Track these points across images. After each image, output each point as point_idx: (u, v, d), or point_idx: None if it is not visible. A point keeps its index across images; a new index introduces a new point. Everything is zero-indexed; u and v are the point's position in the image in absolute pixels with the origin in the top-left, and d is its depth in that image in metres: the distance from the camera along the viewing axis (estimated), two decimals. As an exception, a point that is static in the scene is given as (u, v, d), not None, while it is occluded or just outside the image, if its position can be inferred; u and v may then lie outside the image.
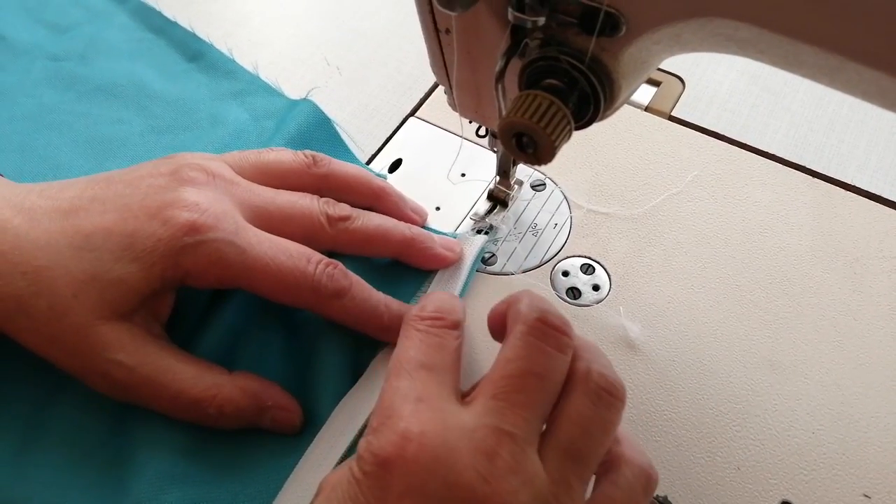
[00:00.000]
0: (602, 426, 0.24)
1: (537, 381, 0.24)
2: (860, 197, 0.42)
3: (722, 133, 0.46)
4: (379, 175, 0.43)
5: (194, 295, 0.34)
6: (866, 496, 0.32)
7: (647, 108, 0.47)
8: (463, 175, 0.44)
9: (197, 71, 0.49)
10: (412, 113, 0.48)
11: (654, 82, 0.49)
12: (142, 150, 0.45)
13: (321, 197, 0.35)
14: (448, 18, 0.28)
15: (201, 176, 0.31)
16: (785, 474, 0.33)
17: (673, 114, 0.47)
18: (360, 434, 0.31)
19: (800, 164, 0.44)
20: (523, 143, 0.25)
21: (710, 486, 0.32)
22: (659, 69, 0.49)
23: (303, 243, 0.32)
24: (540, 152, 0.25)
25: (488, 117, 0.34)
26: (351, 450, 0.31)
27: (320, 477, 0.29)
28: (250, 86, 0.48)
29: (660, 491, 0.32)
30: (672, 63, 0.50)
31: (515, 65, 0.27)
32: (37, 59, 0.50)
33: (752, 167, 0.44)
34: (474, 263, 0.38)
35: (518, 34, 0.26)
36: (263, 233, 0.31)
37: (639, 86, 0.27)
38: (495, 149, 0.39)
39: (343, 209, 0.34)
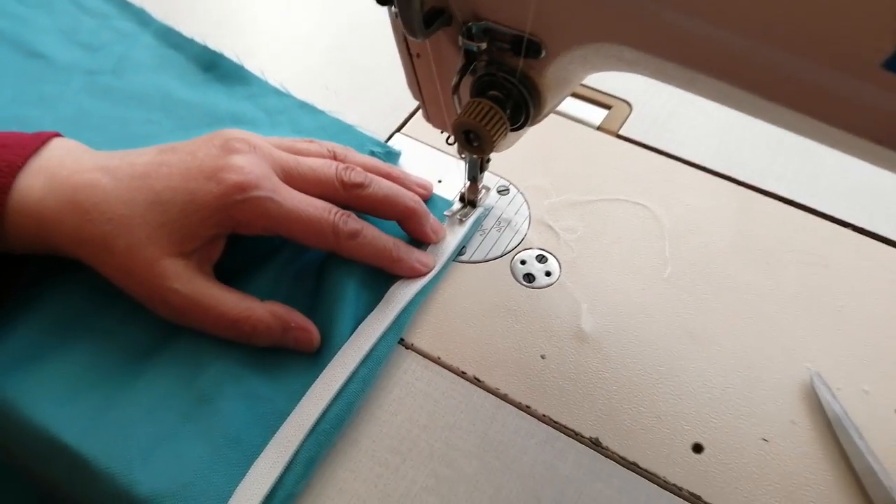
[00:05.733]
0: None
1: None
2: (775, 201, 0.50)
3: (662, 149, 0.53)
4: (395, 152, 0.53)
5: (239, 243, 0.42)
6: (764, 440, 0.38)
7: (598, 128, 0.55)
8: (440, 181, 0.52)
9: (214, 80, 0.57)
10: (398, 129, 0.56)
11: (605, 106, 0.57)
12: None
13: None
14: (417, 45, 0.36)
15: (245, 146, 0.39)
16: (698, 422, 0.39)
17: (620, 132, 0.55)
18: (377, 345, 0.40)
19: (727, 174, 0.51)
20: (470, 138, 0.32)
21: (634, 431, 0.39)
22: (609, 95, 0.57)
23: (322, 199, 0.41)
24: (483, 145, 0.32)
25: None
26: (369, 356, 0.39)
27: (346, 373, 0.37)
28: (261, 89, 0.57)
29: (591, 433, 0.38)
30: (622, 90, 0.58)
31: (470, 81, 0.34)
32: (75, 74, 0.56)
33: (685, 176, 0.52)
34: (468, 232, 0.47)
35: (469, 56, 0.33)
36: (294, 190, 0.39)
37: (564, 97, 0.35)
38: (463, 156, 0.47)
39: (357, 177, 0.42)
